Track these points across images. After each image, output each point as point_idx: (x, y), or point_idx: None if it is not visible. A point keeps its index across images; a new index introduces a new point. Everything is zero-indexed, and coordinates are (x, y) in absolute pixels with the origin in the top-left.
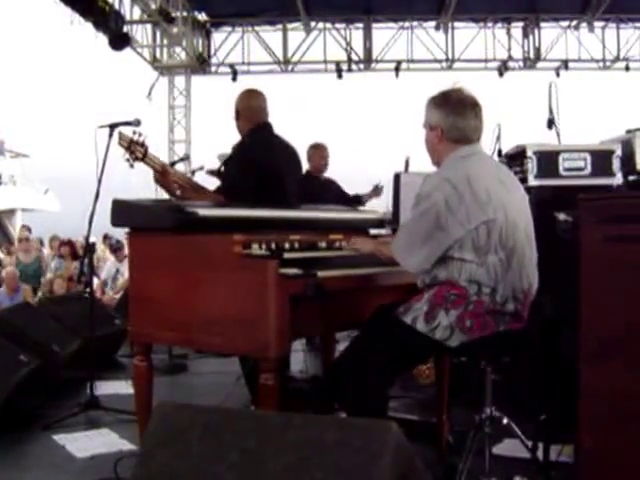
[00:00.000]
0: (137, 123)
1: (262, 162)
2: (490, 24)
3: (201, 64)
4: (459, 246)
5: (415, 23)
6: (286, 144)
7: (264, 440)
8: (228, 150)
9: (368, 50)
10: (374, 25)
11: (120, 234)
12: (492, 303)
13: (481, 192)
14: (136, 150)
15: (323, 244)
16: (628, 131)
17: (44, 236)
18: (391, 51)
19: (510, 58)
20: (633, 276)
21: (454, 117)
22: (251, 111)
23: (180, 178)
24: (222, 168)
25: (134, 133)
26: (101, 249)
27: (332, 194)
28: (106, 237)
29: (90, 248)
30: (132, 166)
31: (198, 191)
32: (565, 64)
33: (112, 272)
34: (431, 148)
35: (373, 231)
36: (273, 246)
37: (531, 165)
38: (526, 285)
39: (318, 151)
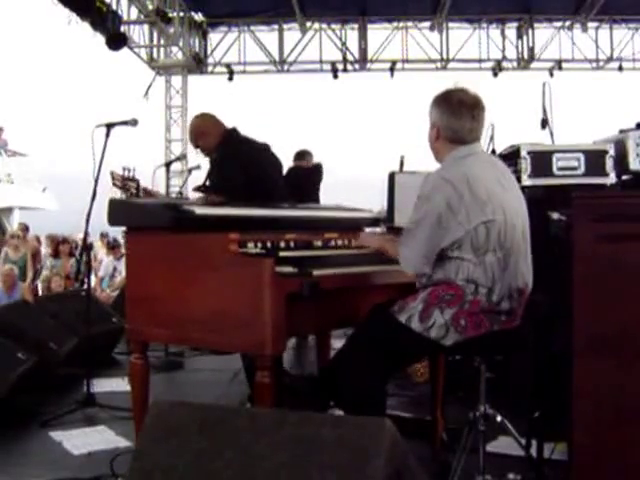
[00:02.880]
0: (134, 123)
1: (248, 159)
2: (484, 24)
3: (198, 64)
4: (458, 245)
5: (410, 23)
6: (261, 143)
7: (260, 437)
8: None
9: (363, 50)
10: (369, 25)
11: (117, 232)
12: (488, 302)
13: (480, 192)
14: (130, 187)
15: (318, 243)
16: (621, 131)
17: (42, 234)
18: (386, 51)
19: (504, 58)
20: (626, 275)
21: (449, 118)
22: (215, 126)
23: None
24: (207, 183)
25: (124, 170)
26: (98, 246)
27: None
28: (103, 235)
29: (87, 247)
30: None
31: None
32: (559, 64)
33: (109, 270)
34: (431, 145)
35: (368, 229)
36: (269, 245)
37: (525, 165)
38: (522, 284)
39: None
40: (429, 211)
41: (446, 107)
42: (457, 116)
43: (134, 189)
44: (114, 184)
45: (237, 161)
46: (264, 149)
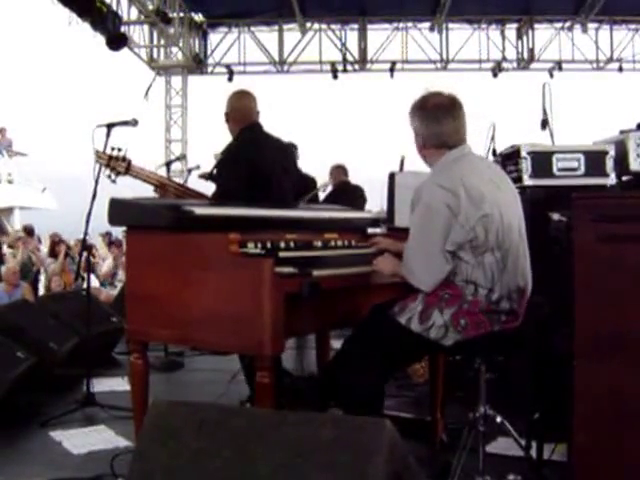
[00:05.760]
0: (134, 123)
1: (251, 161)
2: (484, 25)
3: (198, 64)
4: (457, 247)
5: (410, 24)
6: (278, 142)
7: (259, 437)
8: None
9: (363, 51)
10: (369, 26)
11: (118, 232)
12: (487, 302)
13: (475, 192)
14: (117, 166)
15: (318, 243)
16: (621, 132)
17: (41, 234)
18: (386, 52)
19: (504, 59)
20: (627, 275)
21: (430, 124)
22: (239, 112)
23: (177, 188)
24: (214, 171)
25: (112, 149)
26: (101, 246)
27: None
28: (106, 234)
29: (87, 247)
30: (114, 181)
31: (196, 198)
32: (559, 65)
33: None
34: (418, 152)
35: (370, 230)
36: (269, 245)
37: (525, 165)
38: (521, 283)
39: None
40: (433, 224)
41: (424, 115)
42: (438, 121)
43: (122, 168)
44: (98, 162)
45: (238, 165)
46: (278, 149)
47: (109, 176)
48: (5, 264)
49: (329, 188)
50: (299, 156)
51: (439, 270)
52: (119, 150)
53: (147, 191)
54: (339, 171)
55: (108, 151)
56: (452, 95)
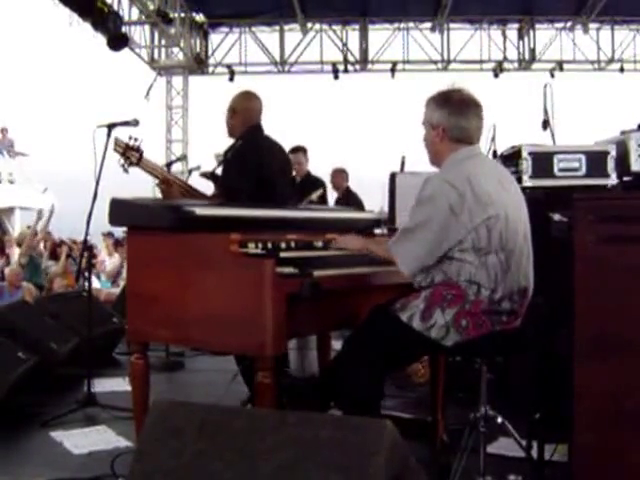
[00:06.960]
0: (135, 123)
1: (259, 164)
2: (485, 25)
3: (199, 65)
4: (460, 247)
5: (411, 24)
6: (278, 146)
7: (260, 438)
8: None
9: (364, 51)
10: (370, 26)
11: (118, 233)
12: (489, 303)
13: (482, 194)
14: (131, 156)
15: (319, 243)
16: (623, 132)
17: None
18: (387, 52)
19: (505, 59)
20: (627, 276)
21: (457, 117)
22: (249, 112)
23: (181, 186)
24: (215, 171)
25: (130, 138)
26: (102, 246)
27: None
28: (108, 234)
29: (88, 248)
30: (127, 171)
31: (198, 197)
32: (560, 65)
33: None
34: (431, 147)
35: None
36: (269, 245)
37: (526, 165)
38: (523, 284)
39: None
40: (432, 214)
41: (451, 107)
42: (464, 115)
43: (135, 159)
44: (115, 149)
45: (247, 167)
46: (279, 152)
47: (122, 165)
48: (10, 265)
49: (330, 192)
50: (309, 159)
51: (420, 262)
52: (135, 140)
53: (146, 192)
54: (342, 176)
55: (125, 140)
56: (474, 95)
